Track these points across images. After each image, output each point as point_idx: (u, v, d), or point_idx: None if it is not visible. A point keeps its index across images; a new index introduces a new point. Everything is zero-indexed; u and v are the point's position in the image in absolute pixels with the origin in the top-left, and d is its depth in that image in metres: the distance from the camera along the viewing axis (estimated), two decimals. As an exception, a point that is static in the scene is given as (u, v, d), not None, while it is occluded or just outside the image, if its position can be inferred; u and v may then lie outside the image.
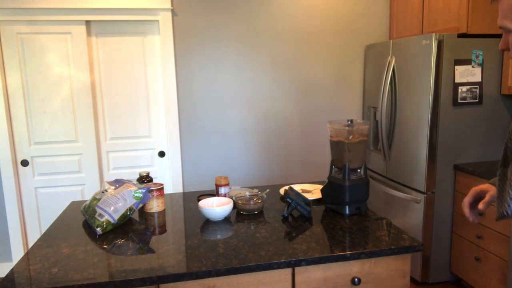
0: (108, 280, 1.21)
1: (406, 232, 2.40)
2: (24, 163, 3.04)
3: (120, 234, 1.57)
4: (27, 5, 2.83)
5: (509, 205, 1.04)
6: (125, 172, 3.23)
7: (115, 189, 1.70)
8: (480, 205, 1.22)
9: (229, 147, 3.31)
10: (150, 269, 1.27)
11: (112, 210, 1.59)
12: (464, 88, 2.64)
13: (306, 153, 3.43)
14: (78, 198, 3.16)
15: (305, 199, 1.73)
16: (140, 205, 1.70)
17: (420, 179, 2.74)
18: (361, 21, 3.38)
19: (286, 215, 1.69)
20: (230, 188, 2.04)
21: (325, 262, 1.34)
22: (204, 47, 3.16)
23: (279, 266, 1.31)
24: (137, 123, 3.18)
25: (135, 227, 1.64)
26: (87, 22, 3.00)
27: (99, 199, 1.65)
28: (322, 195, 1.83)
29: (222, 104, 3.24)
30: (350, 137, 1.69)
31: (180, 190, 3.25)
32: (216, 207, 1.67)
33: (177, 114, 3.17)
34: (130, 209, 1.65)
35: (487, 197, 1.24)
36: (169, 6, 3.01)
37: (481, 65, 2.63)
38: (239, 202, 1.77)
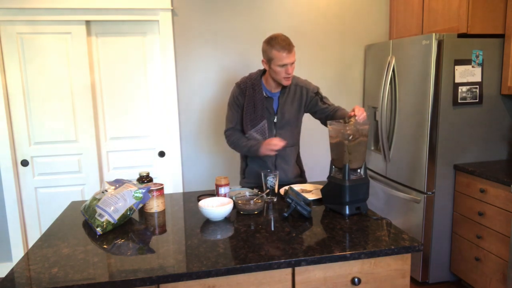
0: (108, 280, 1.21)
1: (406, 232, 2.40)
2: (24, 163, 3.04)
3: (120, 234, 1.57)
4: (27, 5, 2.83)
5: None
6: (125, 172, 3.23)
7: (115, 189, 1.70)
8: None
9: (229, 147, 3.31)
10: (150, 269, 1.27)
11: (112, 210, 1.59)
12: (464, 88, 2.64)
13: (306, 153, 3.43)
14: (78, 198, 3.16)
15: (305, 199, 1.73)
16: (140, 205, 1.70)
17: (420, 179, 2.74)
18: (361, 21, 3.38)
19: (286, 215, 1.69)
20: (230, 188, 2.04)
21: (325, 262, 1.34)
22: (204, 47, 3.16)
23: (279, 266, 1.31)
24: (137, 123, 3.18)
25: (135, 227, 1.64)
26: (87, 22, 3.00)
27: (99, 199, 1.65)
28: (322, 195, 1.83)
29: (222, 104, 3.24)
30: (350, 137, 1.69)
31: (180, 190, 3.25)
32: (216, 207, 1.67)
33: (177, 114, 3.17)
34: (130, 209, 1.65)
35: None
36: (169, 6, 3.01)
37: (481, 65, 2.63)
38: (239, 202, 1.77)
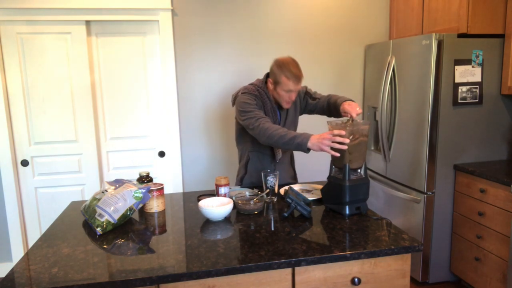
0: (108, 280, 1.21)
1: (406, 232, 2.40)
2: (24, 163, 3.04)
3: (120, 234, 1.57)
4: (27, 5, 2.83)
5: None
6: (125, 172, 3.23)
7: (115, 189, 1.70)
8: None
9: (229, 147, 3.31)
10: (150, 269, 1.27)
11: (112, 210, 1.59)
12: (464, 88, 2.64)
13: (303, 154, 3.43)
14: (78, 198, 3.16)
15: (305, 199, 1.73)
16: (140, 205, 1.70)
17: (420, 179, 2.74)
18: (361, 21, 3.38)
19: (286, 215, 1.69)
20: (230, 188, 2.04)
21: (325, 262, 1.34)
22: (204, 47, 3.16)
23: (279, 266, 1.31)
24: (137, 123, 3.18)
25: (135, 227, 1.64)
26: (87, 22, 3.00)
27: (99, 199, 1.65)
28: (322, 195, 1.83)
29: (222, 104, 3.25)
30: (351, 137, 1.69)
31: (180, 190, 3.25)
32: (216, 207, 1.67)
33: (177, 114, 3.17)
34: (130, 209, 1.65)
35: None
36: (169, 6, 3.01)
37: (481, 65, 2.63)
38: (239, 202, 1.77)
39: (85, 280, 1.21)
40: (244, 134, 2.18)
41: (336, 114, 2.13)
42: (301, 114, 2.26)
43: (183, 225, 1.64)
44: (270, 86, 2.07)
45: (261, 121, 1.94)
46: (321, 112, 2.23)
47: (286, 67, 1.98)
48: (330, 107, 2.15)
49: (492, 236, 2.43)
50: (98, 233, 1.56)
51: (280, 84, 2.00)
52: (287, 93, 2.01)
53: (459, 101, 2.64)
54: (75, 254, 1.40)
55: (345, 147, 1.66)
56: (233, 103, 2.13)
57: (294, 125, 2.25)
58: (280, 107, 2.15)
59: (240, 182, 2.25)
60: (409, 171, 2.84)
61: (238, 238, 1.49)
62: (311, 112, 2.26)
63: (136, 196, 1.67)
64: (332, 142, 1.67)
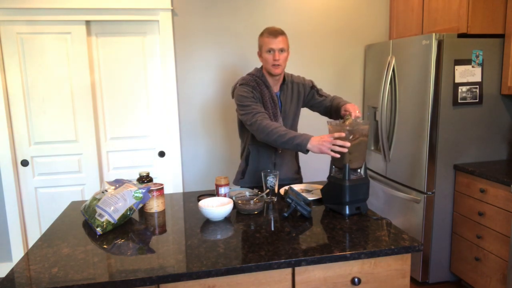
0: (108, 280, 1.21)
1: (406, 232, 2.40)
2: (24, 163, 3.04)
3: (120, 234, 1.57)
4: (27, 5, 2.83)
5: None
6: (125, 172, 3.23)
7: (115, 189, 1.70)
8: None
9: (230, 147, 3.31)
10: (150, 269, 1.27)
11: (112, 210, 1.59)
12: (464, 88, 2.64)
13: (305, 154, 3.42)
14: (78, 198, 3.16)
15: (305, 199, 1.73)
16: (140, 205, 1.70)
17: (420, 179, 2.74)
18: (361, 21, 3.38)
19: (286, 215, 1.69)
20: (230, 188, 2.04)
21: (325, 262, 1.34)
22: (204, 47, 3.16)
23: (279, 266, 1.31)
24: (137, 123, 3.18)
25: (135, 227, 1.64)
26: (87, 22, 3.00)
27: (99, 199, 1.65)
28: (322, 195, 1.83)
29: (222, 103, 3.25)
30: (351, 137, 1.69)
31: (180, 190, 3.25)
32: (216, 207, 1.67)
33: (177, 114, 3.17)
34: (130, 209, 1.65)
35: None
36: (169, 6, 3.01)
37: (481, 65, 2.63)
38: (239, 202, 1.77)
39: (85, 280, 1.21)
40: (244, 127, 2.18)
41: (335, 116, 2.13)
42: (303, 106, 2.24)
43: (183, 225, 1.64)
44: (260, 60, 2.08)
45: (258, 116, 1.93)
46: (323, 112, 2.22)
47: (264, 30, 2.04)
48: (332, 109, 2.15)
49: (492, 236, 2.43)
50: (98, 233, 1.56)
51: (262, 46, 2.03)
52: (270, 54, 2.00)
53: (459, 101, 2.64)
54: (75, 254, 1.40)
55: (345, 150, 1.68)
56: (233, 95, 2.13)
57: (296, 116, 2.22)
58: (281, 95, 2.12)
59: (241, 175, 2.25)
60: (409, 171, 2.84)
61: (238, 238, 1.49)
62: (313, 108, 2.24)
63: (136, 196, 1.67)
64: (333, 145, 1.68)
